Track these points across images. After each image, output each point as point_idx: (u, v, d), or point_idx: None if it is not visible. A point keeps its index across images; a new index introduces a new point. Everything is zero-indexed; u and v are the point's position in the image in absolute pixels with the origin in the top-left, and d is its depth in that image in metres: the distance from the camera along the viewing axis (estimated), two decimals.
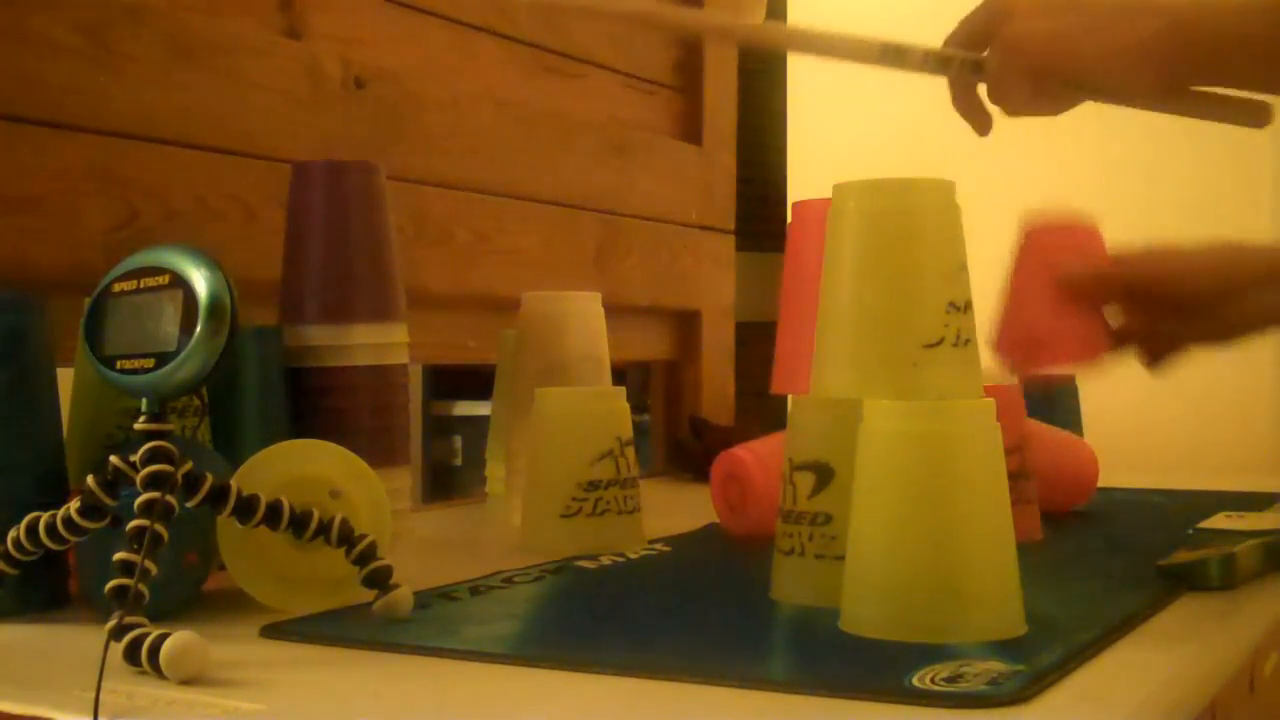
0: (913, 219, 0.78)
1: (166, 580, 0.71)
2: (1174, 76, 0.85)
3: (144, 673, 0.64)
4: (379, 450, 0.96)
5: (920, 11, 2.07)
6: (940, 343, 0.77)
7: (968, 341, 0.78)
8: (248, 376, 0.93)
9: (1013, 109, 0.91)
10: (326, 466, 0.80)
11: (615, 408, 1.03)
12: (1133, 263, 0.92)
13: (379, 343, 1.01)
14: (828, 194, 0.82)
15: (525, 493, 1.05)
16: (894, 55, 0.92)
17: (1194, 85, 0.87)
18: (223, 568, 0.79)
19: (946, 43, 0.94)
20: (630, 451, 1.03)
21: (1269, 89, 0.87)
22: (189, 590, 0.78)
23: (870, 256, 0.79)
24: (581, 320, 1.21)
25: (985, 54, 0.92)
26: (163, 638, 0.63)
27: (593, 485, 1.00)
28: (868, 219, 0.79)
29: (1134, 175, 1.94)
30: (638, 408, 1.31)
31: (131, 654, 0.64)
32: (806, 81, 2.19)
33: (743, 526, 1.06)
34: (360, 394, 1.00)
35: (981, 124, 0.96)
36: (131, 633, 0.64)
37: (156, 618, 0.67)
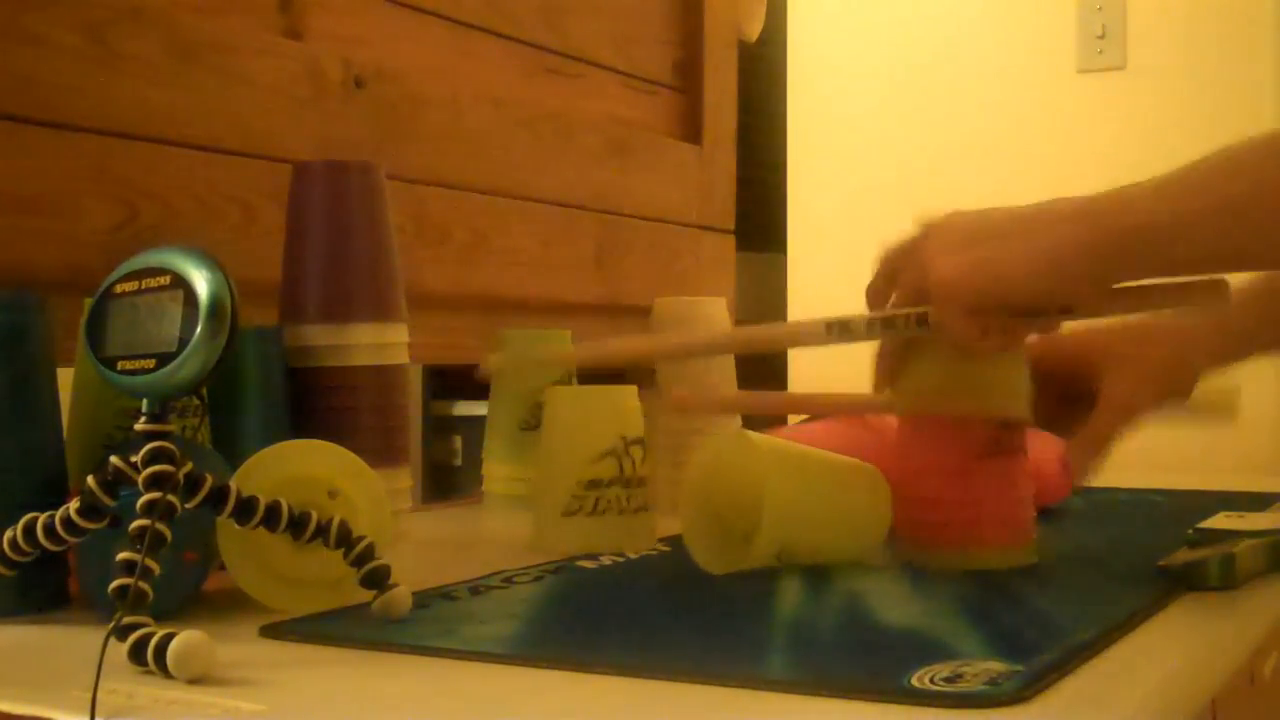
0: None
1: (166, 579, 0.71)
2: (1104, 277, 0.83)
3: (148, 672, 0.64)
4: (379, 450, 0.96)
5: (921, 19, 2.07)
6: None
7: None
8: (248, 376, 0.93)
9: (970, 348, 0.87)
10: (325, 466, 0.80)
11: (621, 406, 1.03)
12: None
13: (379, 343, 1.01)
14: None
15: (534, 491, 1.06)
16: (840, 330, 0.89)
17: (1126, 281, 0.84)
18: (222, 568, 0.79)
19: (871, 292, 0.90)
20: (637, 450, 1.02)
21: (1197, 270, 0.84)
22: (189, 590, 0.78)
23: None
24: (710, 325, 1.25)
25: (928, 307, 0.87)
26: (168, 637, 0.63)
27: (593, 484, 1.01)
28: None
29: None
30: None
31: (136, 654, 0.64)
32: (807, 81, 2.20)
33: None
34: (360, 394, 1.00)
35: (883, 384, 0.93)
36: (136, 632, 0.64)
37: (157, 617, 0.67)
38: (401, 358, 1.04)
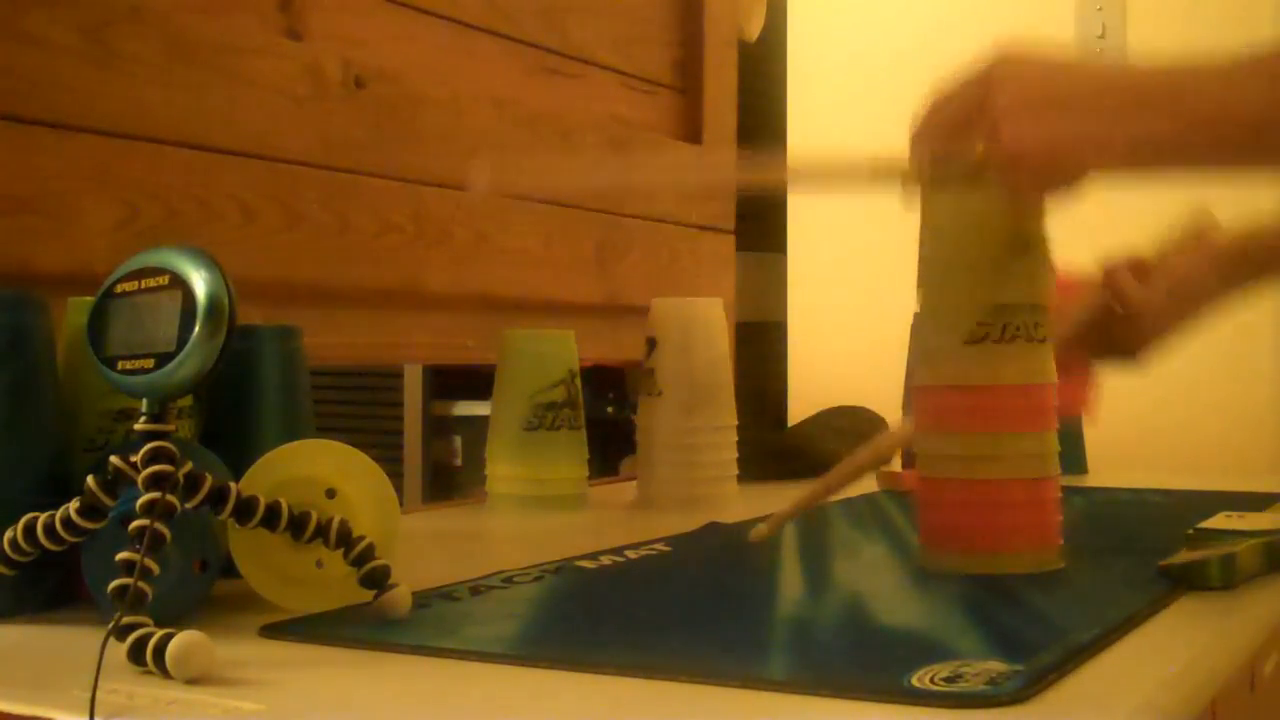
0: None
1: (177, 588, 0.71)
2: (1190, 170, 0.80)
3: (148, 672, 0.64)
4: None
5: (921, 19, 2.07)
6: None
7: None
8: (268, 376, 0.92)
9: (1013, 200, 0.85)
10: (324, 466, 0.80)
11: (568, 348, 1.29)
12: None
13: None
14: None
15: (493, 417, 1.28)
16: (885, 170, 0.88)
17: (1213, 172, 0.81)
18: (226, 574, 0.79)
19: (916, 140, 0.86)
20: (578, 381, 1.28)
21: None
22: (199, 597, 0.78)
23: None
24: (713, 325, 1.32)
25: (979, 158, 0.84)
26: (167, 637, 0.63)
27: (551, 405, 1.26)
28: None
29: None
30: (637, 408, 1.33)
31: (136, 654, 0.64)
32: (807, 81, 2.20)
33: None
34: None
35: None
36: (135, 632, 0.64)
37: (166, 625, 0.66)
38: None
